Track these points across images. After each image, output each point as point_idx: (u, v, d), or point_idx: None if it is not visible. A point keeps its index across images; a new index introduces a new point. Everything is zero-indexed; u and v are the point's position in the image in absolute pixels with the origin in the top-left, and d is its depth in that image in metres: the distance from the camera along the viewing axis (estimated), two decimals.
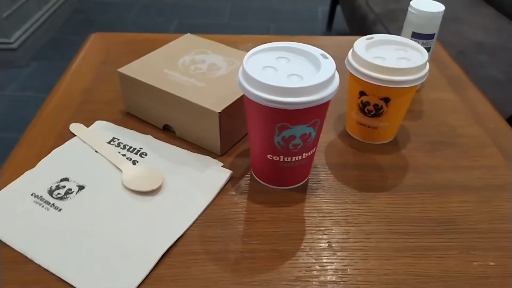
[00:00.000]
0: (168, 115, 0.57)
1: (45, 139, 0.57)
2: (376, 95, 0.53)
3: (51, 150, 0.54)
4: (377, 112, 0.54)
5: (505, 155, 0.57)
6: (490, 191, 0.51)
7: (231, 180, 0.51)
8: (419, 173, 0.54)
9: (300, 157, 0.47)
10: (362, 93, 0.54)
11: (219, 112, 0.50)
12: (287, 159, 0.47)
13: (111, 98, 0.64)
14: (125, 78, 0.58)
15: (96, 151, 0.54)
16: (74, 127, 0.58)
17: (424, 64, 0.52)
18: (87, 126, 0.59)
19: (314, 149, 0.48)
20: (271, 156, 0.47)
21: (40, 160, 0.53)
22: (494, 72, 1.21)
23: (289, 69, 0.45)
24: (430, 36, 0.64)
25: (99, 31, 0.86)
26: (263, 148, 0.47)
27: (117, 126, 0.59)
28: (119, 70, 0.58)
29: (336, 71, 0.44)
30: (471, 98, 0.69)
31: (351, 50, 0.55)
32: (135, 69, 0.58)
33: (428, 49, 0.65)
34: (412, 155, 0.57)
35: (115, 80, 0.60)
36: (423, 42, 0.65)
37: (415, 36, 0.64)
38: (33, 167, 0.52)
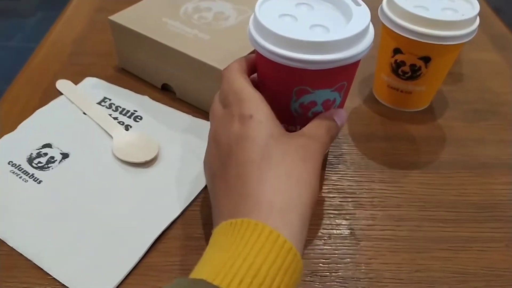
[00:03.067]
0: (167, 72, 0.49)
1: (29, 97, 0.50)
2: (414, 53, 0.44)
3: (35, 110, 0.47)
4: (414, 74, 0.46)
5: None
6: None
7: None
8: (458, 147, 0.46)
9: None
10: (396, 51, 0.45)
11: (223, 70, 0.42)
12: None
13: (105, 51, 0.57)
14: (117, 28, 0.50)
15: (84, 113, 0.47)
16: (61, 84, 0.51)
17: (475, 17, 0.43)
18: (76, 83, 0.51)
19: None
20: (286, 125, 0.39)
21: (21, 122, 0.46)
22: None
23: (312, 19, 0.36)
24: None
25: None
26: (276, 115, 0.39)
27: (109, 84, 0.51)
28: (110, 17, 0.50)
29: (370, 23, 0.35)
30: None
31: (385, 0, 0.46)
32: (129, 17, 0.50)
33: None
34: (450, 126, 0.48)
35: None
36: None
37: None
38: (14, 129, 0.45)
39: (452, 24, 0.41)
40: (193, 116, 0.47)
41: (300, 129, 0.39)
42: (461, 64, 0.58)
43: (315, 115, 0.37)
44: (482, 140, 0.47)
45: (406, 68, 0.46)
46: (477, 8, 0.43)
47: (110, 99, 0.49)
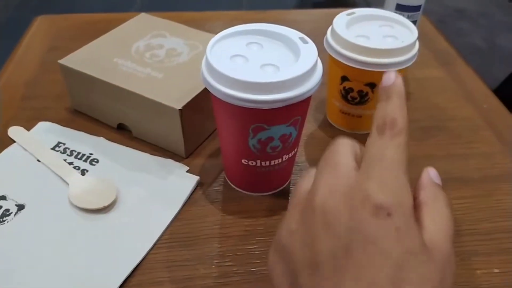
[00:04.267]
0: (122, 112, 0.49)
1: None
2: (360, 81, 0.46)
3: None
4: (362, 99, 0.48)
5: (501, 139, 0.52)
6: (488, 183, 0.46)
7: (200, 187, 0.44)
8: (410, 165, 0.48)
9: (279, 160, 0.40)
10: (344, 79, 0.47)
11: (179, 109, 0.43)
12: (265, 163, 0.40)
13: (58, 92, 0.56)
14: (68, 71, 0.49)
15: (38, 160, 0.46)
16: (13, 131, 0.49)
17: (414, 43, 0.45)
18: (30, 128, 0.50)
19: (295, 149, 0.41)
20: (246, 161, 0.40)
21: None
22: (475, 40, 1.17)
23: (262, 58, 0.37)
24: (416, 8, 0.58)
25: (61, 10, 0.75)
26: (236, 152, 0.40)
27: (63, 127, 0.50)
28: (60, 61, 0.49)
29: (318, 59, 0.37)
30: (460, 74, 0.63)
31: (330, 28, 0.48)
32: (79, 60, 0.49)
33: (414, 22, 0.59)
34: None
35: None
36: (408, 15, 0.58)
37: (400, 8, 0.58)
38: None
39: (393, 51, 0.44)
40: (151, 154, 0.47)
41: (260, 163, 0.40)
42: (408, 83, 0.61)
43: (274, 149, 0.39)
44: (432, 157, 0.49)
45: (354, 94, 0.48)
46: (415, 33, 0.46)
47: (64, 144, 0.48)
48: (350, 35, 0.45)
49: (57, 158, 0.46)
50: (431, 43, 0.70)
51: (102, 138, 0.49)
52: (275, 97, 0.33)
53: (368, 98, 0.47)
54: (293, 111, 0.36)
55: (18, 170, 0.45)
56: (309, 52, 0.36)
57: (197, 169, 0.46)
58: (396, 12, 0.58)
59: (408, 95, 0.59)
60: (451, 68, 0.65)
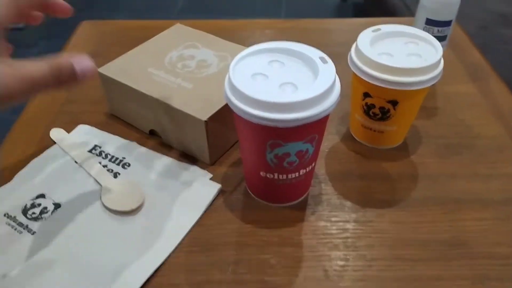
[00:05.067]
0: (153, 120, 0.52)
1: (25, 147, 0.53)
2: (382, 98, 0.47)
3: (31, 159, 0.50)
4: (384, 115, 0.48)
5: None
6: (510, 206, 0.46)
7: (222, 194, 0.47)
8: (431, 183, 0.48)
9: (296, 174, 0.42)
10: (366, 95, 0.48)
11: (205, 121, 0.45)
12: (282, 176, 0.42)
13: (97, 97, 0.60)
14: (106, 79, 0.53)
15: (76, 162, 0.50)
16: (55, 132, 0.54)
17: (438, 62, 0.45)
18: (69, 131, 0.54)
19: (313, 164, 0.43)
20: (264, 173, 0.42)
21: (17, 172, 0.49)
22: None
23: (282, 76, 0.39)
24: (446, 23, 0.57)
25: (107, 8, 0.80)
26: (254, 165, 0.42)
27: (100, 131, 0.54)
28: (99, 70, 0.53)
29: (336, 78, 0.38)
30: (492, 90, 0.62)
31: (354, 45, 0.49)
32: (116, 69, 0.53)
33: (444, 38, 0.58)
34: (423, 162, 0.51)
35: None
36: (438, 30, 0.58)
37: (430, 23, 0.57)
38: (11, 179, 0.48)
39: (415, 70, 0.44)
40: (179, 160, 0.50)
41: (277, 176, 0.42)
42: (436, 97, 0.61)
43: (290, 164, 0.40)
44: (455, 175, 0.49)
45: (376, 110, 0.48)
46: (440, 52, 0.46)
47: (100, 147, 0.52)
48: (373, 53, 0.46)
49: (93, 161, 0.50)
50: (464, 55, 0.69)
51: (134, 143, 0.52)
52: (291, 117, 0.35)
53: (390, 115, 0.48)
54: (308, 129, 0.38)
55: (57, 171, 0.49)
56: (327, 72, 0.38)
57: (220, 177, 0.48)
58: (426, 27, 0.58)
59: (435, 110, 0.58)
60: (483, 83, 0.64)
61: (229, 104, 0.38)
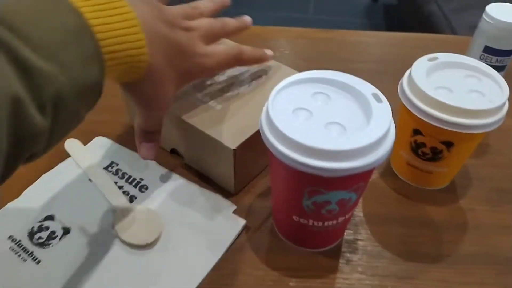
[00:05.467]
0: (175, 138, 0.47)
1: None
2: (435, 137, 0.42)
3: (43, 173, 0.46)
4: (435, 156, 0.43)
5: None
6: None
7: (246, 231, 0.42)
8: (481, 236, 0.43)
9: (334, 221, 0.37)
10: (416, 132, 0.43)
11: (234, 149, 0.40)
12: (318, 223, 0.37)
13: (119, 106, 0.55)
14: None
15: (90, 180, 0.46)
16: (70, 144, 0.50)
17: (503, 104, 0.40)
18: (86, 142, 0.50)
19: (353, 211, 0.38)
20: (297, 218, 0.37)
21: (27, 187, 0.45)
22: None
23: (328, 113, 0.34)
24: (508, 53, 0.51)
25: None
26: (287, 208, 0.37)
27: (118, 145, 0.50)
28: None
29: (392, 122, 0.33)
30: None
31: (407, 73, 0.43)
32: None
33: (502, 68, 0.53)
34: (473, 209, 0.45)
35: None
36: (497, 60, 0.52)
37: (488, 51, 0.52)
38: (19, 195, 0.44)
39: (477, 112, 0.39)
40: (200, 186, 0.46)
41: (312, 223, 0.37)
42: (489, 133, 0.55)
43: (329, 212, 0.35)
44: (508, 229, 0.44)
45: (426, 150, 0.43)
46: (506, 92, 0.41)
47: (117, 164, 0.48)
48: (430, 86, 0.40)
49: (108, 180, 0.45)
50: None
51: (154, 163, 0.48)
52: (338, 166, 0.30)
53: (442, 156, 0.43)
54: (356, 179, 0.33)
55: (69, 188, 0.45)
56: (382, 115, 0.33)
57: (245, 209, 0.44)
58: (483, 55, 0.52)
59: (487, 147, 0.53)
60: None
61: (265, 142, 0.33)
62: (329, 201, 0.34)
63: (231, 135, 0.42)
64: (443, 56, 0.44)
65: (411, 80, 0.42)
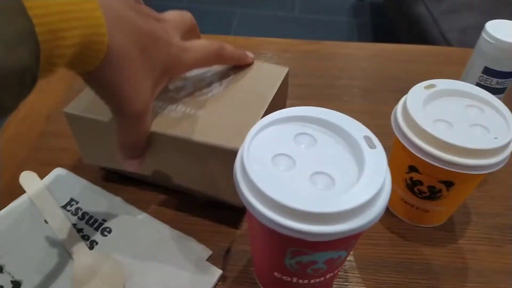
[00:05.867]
0: (152, 164, 0.41)
1: None
2: (433, 176, 0.37)
3: None
4: (433, 195, 0.39)
5: None
6: None
7: (223, 281, 0.37)
8: (482, 282, 0.39)
9: (322, 278, 0.32)
10: (412, 169, 0.38)
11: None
12: (303, 281, 0.32)
13: None
14: (77, 120, 0.41)
15: (45, 221, 0.40)
16: (25, 177, 0.44)
17: (510, 142, 0.36)
18: (44, 174, 0.45)
19: (342, 265, 0.33)
20: (280, 275, 0.32)
21: None
22: None
23: (314, 161, 0.29)
24: (509, 75, 0.47)
25: None
26: (268, 265, 0.33)
27: (79, 178, 0.45)
28: (65, 110, 0.41)
29: (388, 171, 0.28)
30: None
31: (401, 102, 0.39)
32: (86, 105, 0.41)
33: (502, 90, 0.48)
34: (473, 250, 0.41)
35: None
36: (497, 81, 0.47)
37: (488, 72, 0.47)
38: None
39: (481, 152, 0.34)
40: (173, 227, 0.41)
41: (297, 281, 0.32)
42: None
43: (316, 271, 0.31)
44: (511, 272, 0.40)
45: (423, 188, 0.39)
46: None
47: (77, 202, 0.42)
48: (427, 119, 0.36)
49: (66, 223, 0.40)
50: None
51: (119, 199, 0.43)
52: (325, 230, 0.25)
53: (441, 195, 0.38)
54: (345, 240, 0.28)
55: (21, 233, 0.40)
56: (376, 165, 0.28)
57: (221, 251, 0.39)
58: (482, 76, 0.48)
59: (486, 180, 0.48)
60: None
61: (241, 197, 0.28)
62: (315, 261, 0.29)
63: (230, 137, 0.36)
64: (441, 83, 0.40)
65: (406, 112, 0.37)
